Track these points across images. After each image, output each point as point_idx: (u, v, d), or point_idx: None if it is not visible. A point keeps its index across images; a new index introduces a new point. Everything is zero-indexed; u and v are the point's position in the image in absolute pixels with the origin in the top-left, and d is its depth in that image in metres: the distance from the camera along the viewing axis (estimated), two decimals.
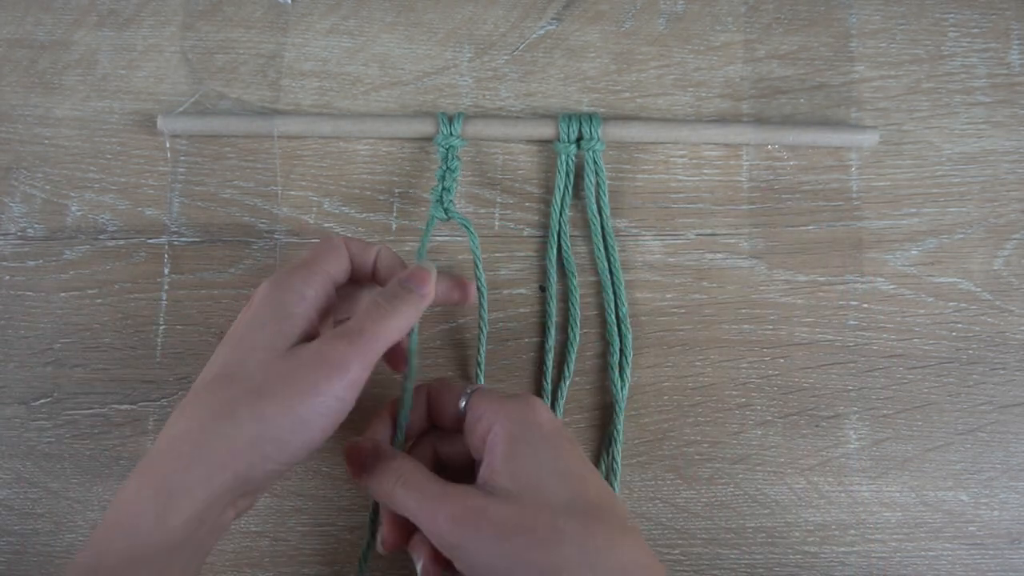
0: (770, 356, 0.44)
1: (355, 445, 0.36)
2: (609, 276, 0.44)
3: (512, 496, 0.31)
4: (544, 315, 0.44)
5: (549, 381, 0.43)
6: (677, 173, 0.46)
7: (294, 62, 0.47)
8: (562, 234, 0.44)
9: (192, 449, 0.30)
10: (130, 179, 0.46)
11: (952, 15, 0.48)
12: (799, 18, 0.48)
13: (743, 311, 0.44)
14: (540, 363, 0.43)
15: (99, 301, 0.44)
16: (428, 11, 0.48)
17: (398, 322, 0.34)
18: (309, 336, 0.34)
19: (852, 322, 0.44)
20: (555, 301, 0.44)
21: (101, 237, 0.45)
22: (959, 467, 0.43)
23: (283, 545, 0.42)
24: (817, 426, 0.43)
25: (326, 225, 0.45)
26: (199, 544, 0.31)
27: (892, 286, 0.45)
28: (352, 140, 0.46)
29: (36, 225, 0.45)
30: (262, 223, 0.45)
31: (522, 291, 0.45)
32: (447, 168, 0.44)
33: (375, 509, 0.38)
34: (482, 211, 0.46)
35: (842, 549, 0.42)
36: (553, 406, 0.43)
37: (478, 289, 0.42)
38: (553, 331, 0.44)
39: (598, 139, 0.44)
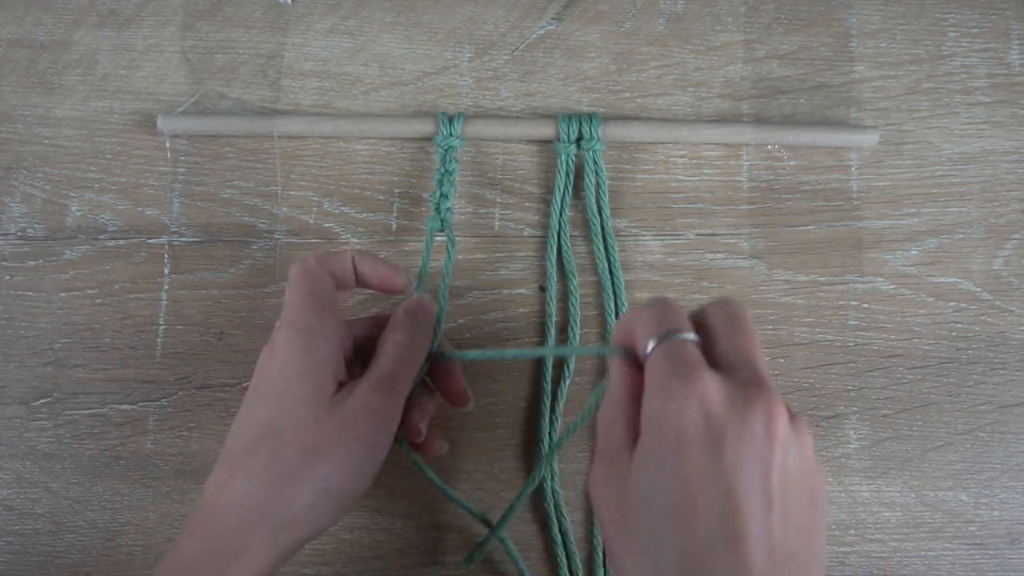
0: (770, 356, 0.44)
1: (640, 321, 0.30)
2: (609, 276, 0.44)
3: (629, 484, 0.26)
4: (544, 315, 0.44)
5: (549, 381, 0.43)
6: (677, 173, 0.46)
7: (294, 62, 0.47)
8: (562, 234, 0.44)
9: (257, 513, 0.31)
10: (130, 179, 0.46)
11: (952, 15, 0.48)
12: (799, 18, 0.48)
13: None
14: (540, 363, 0.43)
15: (99, 301, 0.44)
16: (428, 11, 0.48)
17: (420, 359, 0.37)
18: (339, 375, 0.34)
19: (852, 322, 0.44)
20: (555, 301, 0.44)
21: (101, 237, 0.45)
22: (959, 467, 0.43)
23: None
24: (817, 426, 0.43)
25: (326, 225, 0.45)
26: None
27: (892, 286, 0.45)
28: (352, 140, 0.46)
29: (36, 225, 0.45)
30: (262, 223, 0.45)
31: (522, 291, 0.45)
32: (445, 171, 0.44)
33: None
34: (482, 211, 0.46)
35: (842, 549, 0.42)
36: (553, 406, 0.43)
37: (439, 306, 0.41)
38: (553, 331, 0.44)
39: (598, 139, 0.44)
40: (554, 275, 0.44)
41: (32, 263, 0.45)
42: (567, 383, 0.43)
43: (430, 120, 0.45)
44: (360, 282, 0.38)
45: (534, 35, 0.48)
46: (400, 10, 0.48)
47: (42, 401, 0.43)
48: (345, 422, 0.32)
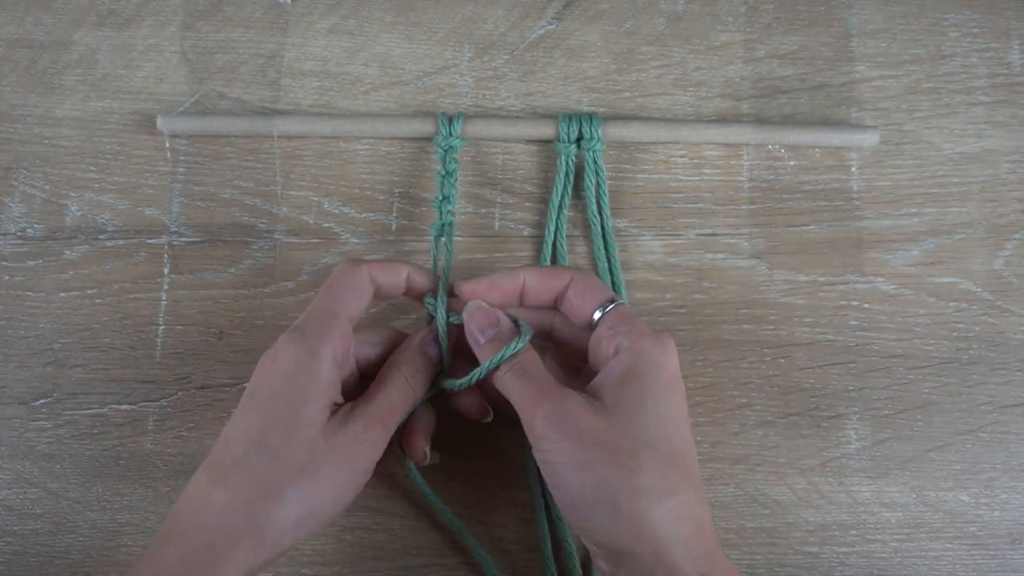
0: (770, 356, 0.44)
1: (483, 310, 0.36)
2: (609, 276, 0.44)
3: (609, 415, 0.32)
4: None
5: None
6: (677, 173, 0.46)
7: (294, 62, 0.47)
8: (559, 234, 0.44)
9: (242, 526, 0.31)
10: (130, 179, 0.46)
11: (952, 15, 0.48)
12: (799, 18, 0.48)
13: (743, 311, 0.44)
14: None
15: (99, 301, 0.44)
16: (428, 11, 0.48)
17: (422, 393, 0.37)
18: (337, 397, 0.34)
19: (853, 322, 0.44)
20: None
21: (101, 237, 0.45)
22: (960, 467, 0.43)
23: None
24: (818, 426, 0.43)
25: (326, 225, 0.45)
26: None
27: (893, 286, 0.45)
28: (352, 140, 0.46)
29: (36, 225, 0.45)
30: (262, 223, 0.45)
31: None
32: (446, 172, 0.44)
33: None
34: (482, 211, 0.46)
35: (843, 550, 0.42)
36: None
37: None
38: None
39: (598, 139, 0.44)
40: None
41: (32, 263, 0.45)
42: None
43: (430, 120, 0.45)
44: (409, 293, 0.38)
45: (534, 35, 0.48)
46: (400, 10, 0.48)
47: (42, 401, 0.43)
48: (337, 448, 0.33)
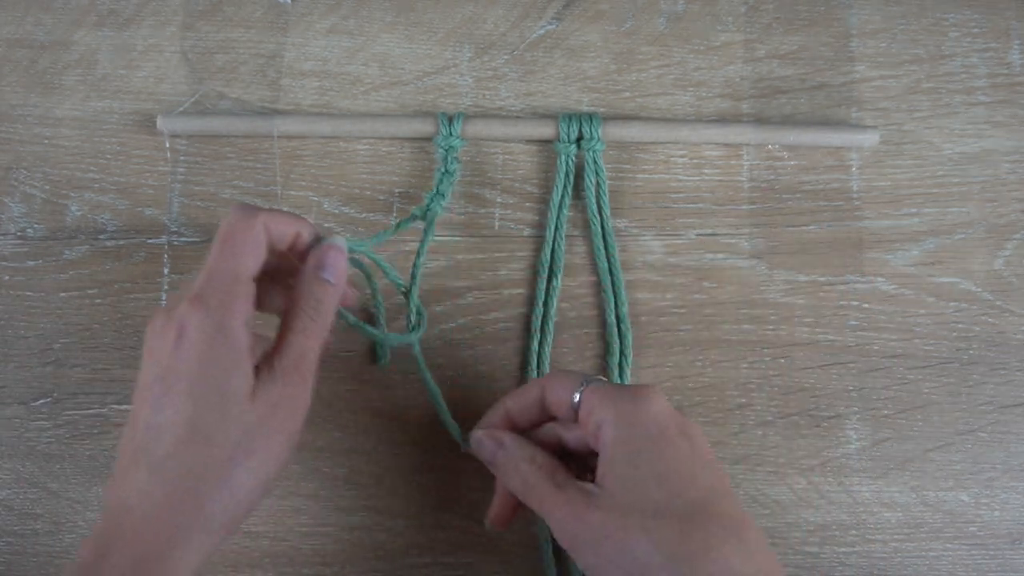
0: (770, 356, 0.44)
1: (489, 436, 0.35)
2: (609, 276, 0.44)
3: (613, 501, 0.30)
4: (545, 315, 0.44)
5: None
6: (677, 173, 0.46)
7: (294, 62, 0.47)
8: (558, 234, 0.44)
9: (191, 518, 0.30)
10: (130, 179, 0.46)
11: (952, 15, 0.48)
12: (799, 18, 0.48)
13: (743, 311, 0.44)
14: (538, 364, 0.43)
15: (99, 301, 0.44)
16: (428, 11, 0.48)
17: (327, 323, 0.34)
18: (256, 360, 0.32)
19: (853, 322, 0.44)
20: (556, 302, 0.44)
21: (101, 237, 0.45)
22: (960, 467, 0.43)
23: (283, 545, 0.42)
24: (817, 426, 0.43)
25: (326, 225, 0.45)
26: None
27: (893, 286, 0.45)
28: (352, 140, 0.46)
29: (36, 225, 0.45)
30: None
31: (522, 291, 0.45)
32: (445, 171, 0.44)
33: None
34: (482, 211, 0.46)
35: (843, 549, 0.42)
36: None
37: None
38: (551, 327, 0.43)
39: (598, 139, 0.44)
40: (546, 275, 0.44)
41: (32, 263, 0.45)
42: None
43: (430, 120, 0.45)
44: (292, 252, 0.36)
45: (534, 35, 0.48)
46: (400, 10, 0.48)
47: (42, 401, 0.43)
48: (266, 413, 0.31)
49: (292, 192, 0.46)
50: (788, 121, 0.46)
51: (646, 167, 0.46)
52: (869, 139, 0.45)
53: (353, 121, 0.45)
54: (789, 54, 0.47)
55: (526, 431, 0.36)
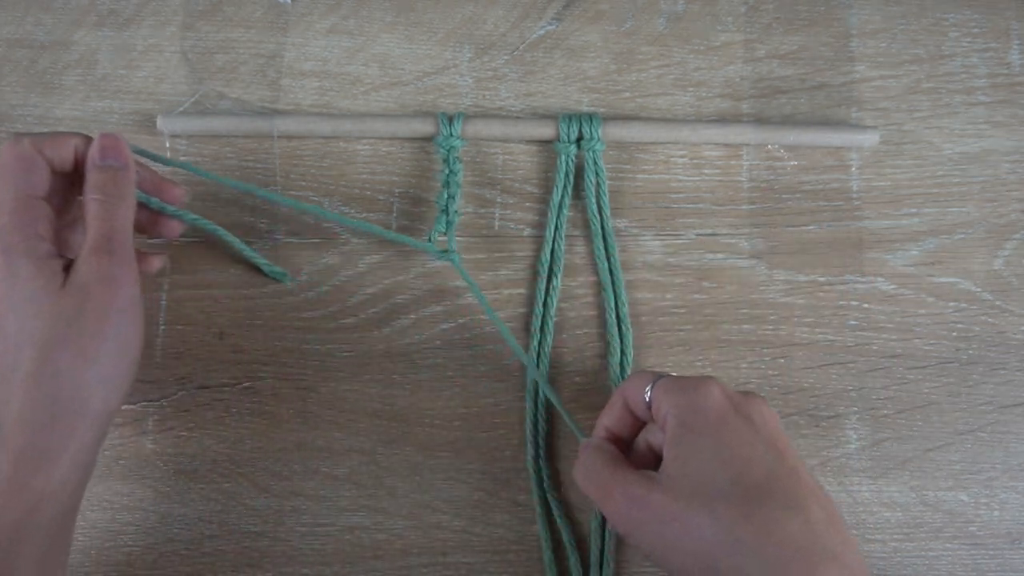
0: (770, 356, 0.44)
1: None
2: (609, 276, 0.44)
3: (676, 484, 0.31)
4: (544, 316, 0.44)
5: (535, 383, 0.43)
6: (677, 173, 0.46)
7: (294, 62, 0.47)
8: (558, 234, 0.44)
9: (60, 410, 0.32)
10: None
11: (952, 15, 0.48)
12: (799, 18, 0.48)
13: (743, 311, 0.44)
14: (538, 364, 0.43)
15: None
16: (428, 11, 0.48)
17: (128, 205, 0.36)
18: (62, 261, 0.34)
19: (852, 322, 0.44)
20: (556, 299, 0.44)
21: None
22: (959, 467, 0.43)
23: (283, 545, 0.42)
24: (817, 426, 0.43)
25: (326, 225, 0.45)
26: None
27: (892, 286, 0.45)
28: (352, 140, 0.46)
29: None
30: (262, 223, 0.45)
31: (522, 291, 0.45)
32: (450, 171, 0.44)
33: None
34: (482, 211, 0.46)
35: None
36: (537, 405, 0.42)
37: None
38: (550, 327, 0.44)
39: (598, 139, 0.44)
40: (545, 275, 0.44)
41: None
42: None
43: (430, 120, 0.45)
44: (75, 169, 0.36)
45: (534, 35, 0.48)
46: (400, 10, 0.48)
47: None
48: (82, 297, 0.33)
49: (292, 192, 0.46)
50: (788, 121, 0.46)
51: (646, 167, 0.46)
52: (869, 139, 0.45)
53: (353, 121, 0.46)
54: (789, 54, 0.48)
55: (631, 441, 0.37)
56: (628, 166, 0.46)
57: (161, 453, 0.43)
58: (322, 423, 0.43)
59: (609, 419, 0.37)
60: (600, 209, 0.45)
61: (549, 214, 0.44)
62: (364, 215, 0.45)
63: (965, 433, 0.43)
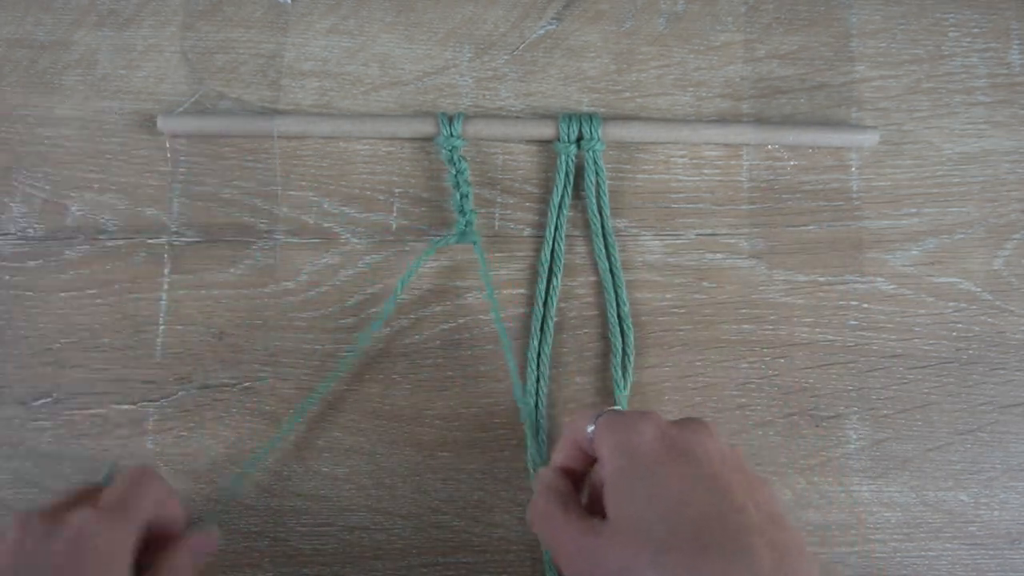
0: (770, 356, 0.44)
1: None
2: (610, 276, 0.44)
3: (618, 533, 0.29)
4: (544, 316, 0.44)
5: (535, 383, 0.43)
6: (677, 173, 0.46)
7: (294, 62, 0.47)
8: (558, 234, 0.44)
9: None
10: (130, 179, 0.46)
11: (952, 15, 0.48)
12: (799, 18, 0.48)
13: (743, 311, 0.44)
14: (527, 363, 0.43)
15: (99, 301, 0.44)
16: (428, 11, 0.48)
17: None
18: None
19: (852, 322, 0.44)
20: (556, 300, 0.44)
21: (101, 237, 0.45)
22: (959, 467, 0.43)
23: (283, 545, 0.42)
24: (817, 426, 0.43)
25: (326, 225, 0.45)
26: None
27: (892, 286, 0.45)
28: (352, 140, 0.46)
29: (36, 225, 0.45)
30: (262, 223, 0.45)
31: (522, 291, 0.45)
32: (457, 171, 0.44)
33: None
34: (482, 211, 0.46)
35: (842, 549, 0.42)
36: (537, 405, 0.42)
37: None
38: (551, 328, 0.44)
39: (598, 139, 0.44)
40: (545, 275, 0.44)
41: (32, 263, 0.45)
42: (544, 384, 0.43)
43: (430, 120, 0.45)
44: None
45: (534, 35, 0.48)
46: (400, 10, 0.48)
47: (42, 401, 0.43)
48: None
49: (292, 192, 0.46)
50: (788, 121, 0.46)
51: (646, 167, 0.46)
52: (869, 139, 0.45)
53: (353, 121, 0.46)
54: (789, 54, 0.48)
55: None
56: (628, 166, 0.46)
57: (161, 453, 0.43)
58: (322, 423, 0.43)
59: (561, 456, 0.35)
60: (600, 209, 0.45)
61: (549, 214, 0.44)
62: (364, 215, 0.45)
63: (965, 433, 0.43)
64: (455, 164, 0.44)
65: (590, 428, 0.32)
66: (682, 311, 0.44)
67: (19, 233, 0.45)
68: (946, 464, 0.43)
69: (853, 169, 0.46)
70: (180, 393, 0.43)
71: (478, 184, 0.46)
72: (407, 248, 0.45)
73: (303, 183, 0.46)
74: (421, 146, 0.46)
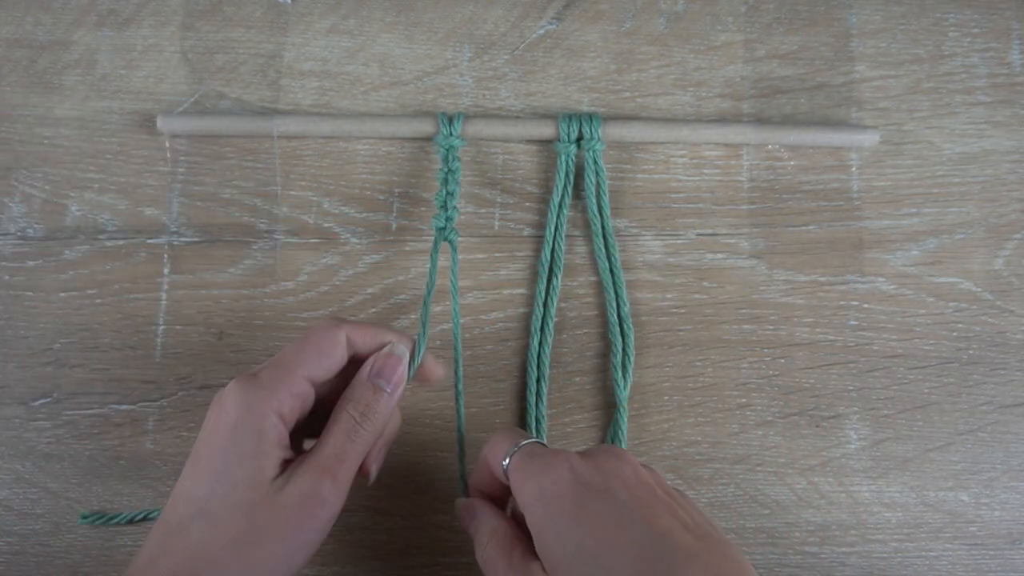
0: (770, 356, 0.44)
1: (465, 506, 0.35)
2: (610, 276, 0.44)
3: None
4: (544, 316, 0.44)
5: (535, 383, 0.43)
6: (677, 173, 0.46)
7: (294, 62, 0.47)
8: (558, 235, 0.44)
9: None
10: (130, 179, 0.46)
11: (952, 15, 0.48)
12: (799, 18, 0.48)
13: (743, 311, 0.44)
14: (538, 364, 0.43)
15: (99, 301, 0.44)
16: (428, 11, 0.48)
17: (375, 433, 0.34)
18: (286, 454, 0.32)
19: (853, 322, 0.44)
20: (556, 302, 0.44)
21: (101, 237, 0.45)
22: (960, 467, 0.43)
23: None
24: (817, 426, 0.43)
25: (326, 225, 0.45)
26: None
27: (893, 286, 0.45)
28: (352, 140, 0.46)
29: (36, 225, 0.45)
30: (262, 223, 0.45)
31: (522, 291, 0.45)
32: (448, 170, 0.44)
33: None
34: (482, 211, 0.46)
35: (842, 549, 0.42)
36: (537, 405, 0.42)
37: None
38: (538, 334, 0.44)
39: (598, 139, 0.44)
40: (545, 275, 0.44)
41: (32, 263, 0.45)
42: (545, 384, 0.43)
43: (430, 120, 0.45)
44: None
45: (534, 35, 0.48)
46: (400, 10, 0.48)
47: (42, 401, 0.43)
48: (282, 510, 0.31)
49: (292, 192, 0.46)
50: (788, 121, 0.46)
51: (646, 167, 0.46)
52: (869, 139, 0.45)
53: (353, 121, 0.45)
54: (789, 54, 0.47)
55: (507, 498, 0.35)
56: (628, 166, 0.46)
57: (161, 453, 0.43)
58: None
59: (478, 481, 0.35)
60: (600, 209, 0.44)
61: (549, 214, 0.44)
62: (364, 215, 0.45)
63: (965, 433, 0.43)
64: (448, 163, 0.44)
65: (505, 462, 0.32)
66: (682, 311, 0.44)
67: (19, 233, 0.45)
68: (946, 464, 0.43)
69: (853, 169, 0.46)
70: (180, 393, 0.43)
71: (478, 184, 0.46)
72: (407, 248, 0.45)
73: (303, 183, 0.46)
74: (421, 146, 0.46)
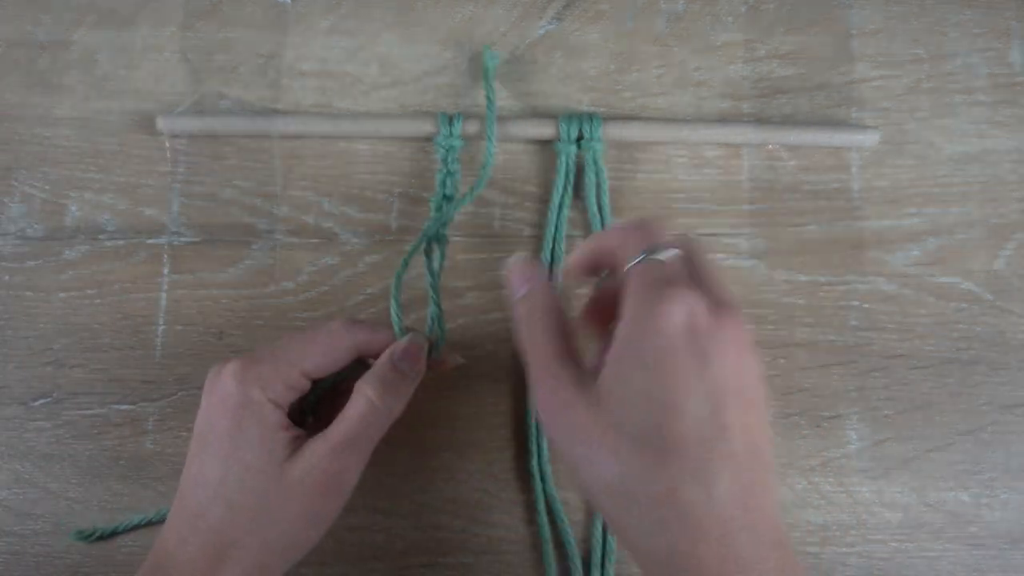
0: (771, 356, 0.44)
1: (521, 267, 0.32)
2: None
3: (601, 406, 0.27)
4: None
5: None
6: (677, 173, 0.46)
7: (294, 62, 0.47)
8: (558, 234, 0.44)
9: (221, 573, 0.31)
10: (130, 179, 0.46)
11: (953, 15, 0.48)
12: (800, 18, 0.48)
13: (743, 311, 0.44)
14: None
15: (99, 301, 0.44)
16: (428, 11, 0.48)
17: (393, 416, 0.35)
18: (294, 431, 0.33)
19: (853, 322, 0.44)
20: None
21: (100, 237, 0.45)
22: (960, 467, 0.43)
23: None
24: (818, 426, 0.43)
25: (326, 225, 0.45)
26: None
27: (893, 286, 0.45)
28: (352, 140, 0.46)
29: (36, 225, 0.45)
30: (262, 223, 0.45)
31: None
32: (448, 171, 0.44)
33: None
34: (482, 211, 0.45)
35: (843, 550, 0.42)
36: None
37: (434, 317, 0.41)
38: None
39: (598, 139, 0.44)
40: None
41: (32, 263, 0.45)
42: None
43: (430, 120, 0.45)
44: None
45: (534, 35, 0.48)
46: (400, 10, 0.48)
47: (41, 401, 0.43)
48: (297, 487, 0.32)
49: (292, 192, 0.46)
50: (788, 121, 0.46)
51: (646, 167, 0.46)
52: (869, 139, 0.45)
53: (353, 121, 0.45)
54: (789, 54, 0.47)
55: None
56: (628, 166, 0.46)
57: (161, 453, 0.43)
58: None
59: (578, 258, 0.32)
60: (600, 209, 0.44)
61: (549, 214, 0.44)
62: (364, 215, 0.45)
63: (966, 433, 0.43)
64: (447, 165, 0.44)
65: (631, 264, 0.29)
66: None
67: (18, 233, 0.45)
68: (947, 464, 0.43)
69: (854, 169, 0.46)
70: (180, 393, 0.43)
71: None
72: (407, 248, 0.45)
73: (303, 183, 0.46)
74: (421, 146, 0.46)
